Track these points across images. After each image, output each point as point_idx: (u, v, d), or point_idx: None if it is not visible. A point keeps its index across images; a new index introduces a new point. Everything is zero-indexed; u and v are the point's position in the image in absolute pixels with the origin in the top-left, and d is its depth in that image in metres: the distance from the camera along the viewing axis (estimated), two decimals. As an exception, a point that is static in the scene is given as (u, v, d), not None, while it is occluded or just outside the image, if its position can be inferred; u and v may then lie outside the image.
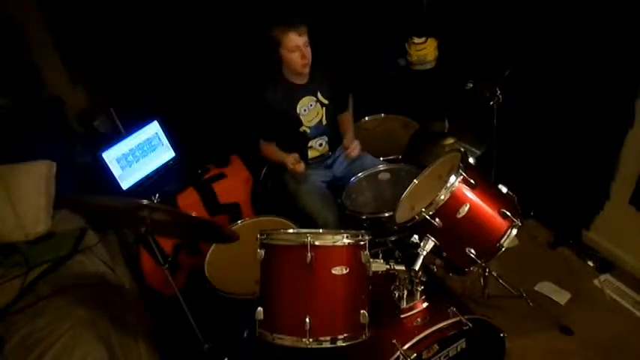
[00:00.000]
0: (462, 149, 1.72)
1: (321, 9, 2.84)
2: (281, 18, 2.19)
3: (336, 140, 2.54)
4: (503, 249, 1.61)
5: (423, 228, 1.60)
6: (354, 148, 2.39)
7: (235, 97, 2.74)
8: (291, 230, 1.75)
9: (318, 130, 2.43)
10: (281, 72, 2.33)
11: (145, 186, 2.58)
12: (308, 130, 2.40)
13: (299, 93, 2.35)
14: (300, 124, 2.38)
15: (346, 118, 2.62)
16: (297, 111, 2.35)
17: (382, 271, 1.57)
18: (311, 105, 2.37)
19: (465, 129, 2.30)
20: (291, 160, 2.30)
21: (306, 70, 2.27)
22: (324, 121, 2.42)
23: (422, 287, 1.65)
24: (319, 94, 2.37)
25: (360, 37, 3.08)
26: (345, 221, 2.20)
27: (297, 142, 2.43)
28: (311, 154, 2.47)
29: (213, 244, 2.16)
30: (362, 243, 1.51)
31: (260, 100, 2.34)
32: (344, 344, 1.45)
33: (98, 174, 2.46)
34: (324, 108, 2.40)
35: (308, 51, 2.21)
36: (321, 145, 2.48)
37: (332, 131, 2.49)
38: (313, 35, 2.21)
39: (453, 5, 2.83)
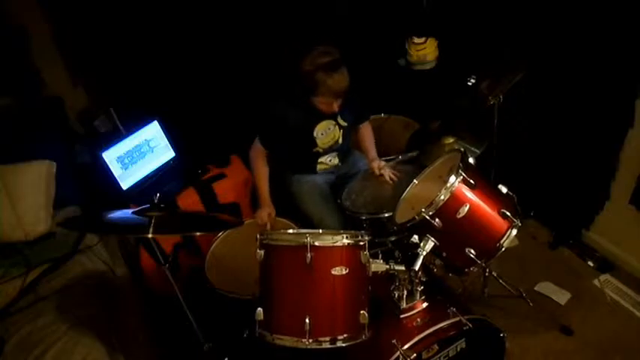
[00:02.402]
0: (462, 149, 1.72)
1: (321, 9, 2.84)
2: (329, 68, 1.96)
3: (346, 153, 2.48)
4: (503, 249, 1.61)
5: (423, 228, 1.60)
6: (381, 168, 2.29)
7: (235, 98, 2.74)
8: (290, 230, 1.76)
9: (332, 149, 2.35)
10: (307, 96, 2.12)
11: (144, 186, 2.58)
12: (321, 151, 2.32)
13: (319, 117, 2.21)
14: (315, 145, 2.28)
15: (366, 131, 2.48)
16: (314, 134, 2.24)
17: (382, 272, 1.57)
18: (329, 129, 2.27)
19: (465, 128, 2.30)
20: (264, 212, 2.22)
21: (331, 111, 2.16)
22: (340, 141, 2.34)
23: (422, 287, 1.65)
24: (339, 118, 2.27)
25: (360, 37, 3.07)
26: (345, 221, 2.20)
27: (308, 158, 2.36)
28: (319, 167, 2.41)
29: (214, 244, 2.16)
30: (361, 243, 1.51)
31: (273, 107, 2.22)
32: (344, 344, 1.45)
33: (98, 174, 2.45)
34: (341, 130, 2.31)
35: (338, 105, 2.11)
36: (330, 160, 2.41)
37: (344, 148, 2.42)
38: (313, 38, 2.17)
39: (453, 5, 2.83)
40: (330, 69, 1.97)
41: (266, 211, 2.24)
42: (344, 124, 2.30)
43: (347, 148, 2.47)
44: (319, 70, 1.97)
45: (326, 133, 2.27)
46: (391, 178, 2.29)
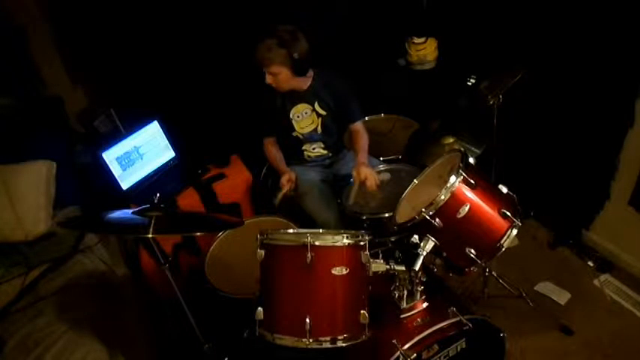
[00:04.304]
0: (462, 149, 1.72)
1: (321, 9, 2.84)
2: (262, 36, 2.11)
3: (333, 145, 2.50)
4: (503, 249, 1.61)
5: (423, 228, 1.60)
6: (364, 176, 2.15)
7: (235, 98, 2.74)
8: (291, 230, 1.75)
9: (313, 138, 2.42)
10: None
11: (144, 186, 2.57)
12: (301, 136, 2.39)
13: (295, 99, 2.32)
14: (293, 129, 2.37)
15: (358, 134, 2.39)
16: (290, 116, 2.34)
17: (382, 271, 1.57)
18: (306, 113, 2.34)
19: (465, 128, 2.30)
20: (286, 177, 2.29)
21: (279, 91, 2.26)
22: (320, 130, 2.39)
23: (422, 287, 1.65)
24: (316, 104, 2.33)
25: (359, 37, 3.07)
26: (345, 221, 2.20)
27: (291, 144, 2.43)
28: (306, 154, 2.47)
29: (214, 244, 2.16)
30: (362, 243, 1.51)
31: (259, 97, 2.35)
32: (344, 344, 1.45)
33: (98, 174, 2.45)
34: (320, 118, 2.36)
35: (275, 80, 2.17)
36: (315, 148, 2.46)
37: (328, 139, 2.45)
38: (312, 39, 2.19)
39: (453, 5, 2.83)
40: (262, 37, 2.10)
41: (286, 177, 2.29)
42: (322, 112, 2.35)
43: (333, 142, 2.49)
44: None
45: (302, 116, 2.34)
46: (377, 185, 2.18)
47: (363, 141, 2.38)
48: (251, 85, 2.43)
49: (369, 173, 2.16)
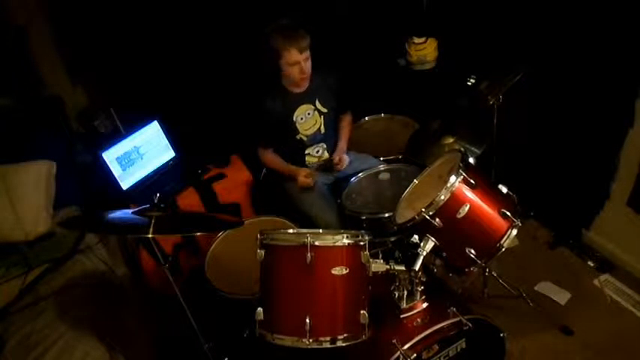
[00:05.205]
0: (462, 149, 1.72)
1: (321, 9, 2.84)
2: (282, 28, 2.16)
3: (334, 146, 2.51)
4: (503, 249, 1.61)
5: (423, 228, 1.60)
6: (340, 161, 2.37)
7: (235, 98, 2.74)
8: (291, 230, 1.75)
9: (316, 139, 2.42)
10: (279, 79, 2.31)
11: (144, 186, 2.57)
12: (305, 139, 2.39)
13: (296, 101, 2.33)
14: (297, 132, 2.37)
15: (344, 120, 2.56)
16: (294, 119, 2.34)
17: (382, 272, 1.57)
18: (309, 113, 2.35)
19: (465, 128, 2.30)
20: (303, 174, 2.30)
21: (305, 83, 2.29)
22: (323, 130, 2.41)
23: (422, 287, 1.65)
24: (317, 103, 2.35)
25: (359, 37, 3.07)
26: (345, 221, 2.20)
27: (294, 149, 2.43)
28: (309, 159, 2.47)
29: (214, 244, 2.16)
30: (362, 243, 1.51)
31: (258, 106, 2.33)
32: (344, 344, 1.45)
33: (98, 174, 2.46)
34: (322, 116, 2.38)
35: (308, 65, 2.20)
36: (318, 151, 2.47)
37: (331, 139, 2.47)
38: (313, 38, 2.19)
39: (453, 5, 2.83)
40: (285, 28, 2.15)
41: (303, 174, 2.31)
42: (324, 110, 2.37)
43: (334, 142, 2.50)
44: (276, 33, 2.15)
45: (306, 118, 2.35)
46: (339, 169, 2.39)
47: (348, 129, 2.57)
48: (250, 89, 2.44)
49: (344, 160, 2.37)
